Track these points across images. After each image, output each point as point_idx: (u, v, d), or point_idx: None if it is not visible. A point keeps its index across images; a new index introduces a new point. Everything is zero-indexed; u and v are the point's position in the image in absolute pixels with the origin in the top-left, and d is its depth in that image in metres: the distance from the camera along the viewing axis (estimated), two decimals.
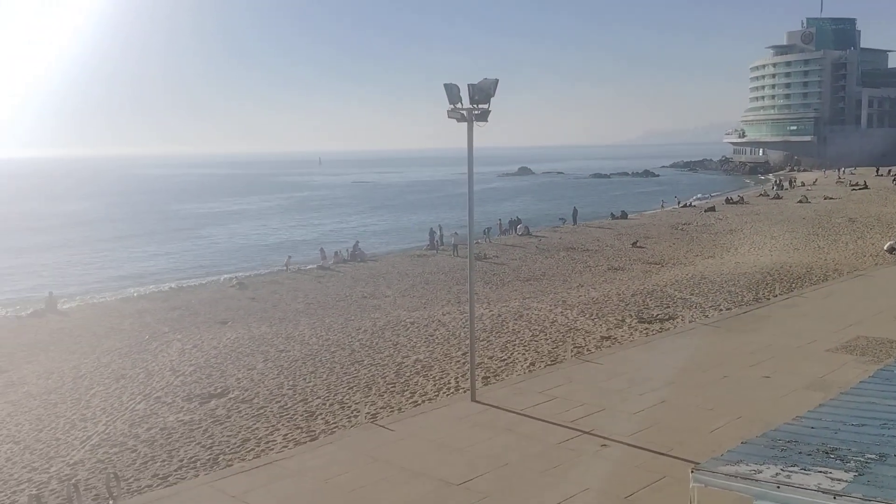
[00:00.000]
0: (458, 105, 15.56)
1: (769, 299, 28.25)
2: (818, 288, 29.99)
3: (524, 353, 21.97)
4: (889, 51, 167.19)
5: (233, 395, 19.53)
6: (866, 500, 6.78)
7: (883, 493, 6.85)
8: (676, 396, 16.38)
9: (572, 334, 24.14)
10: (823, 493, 6.98)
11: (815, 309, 25.41)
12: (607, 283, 35.00)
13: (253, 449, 15.63)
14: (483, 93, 15.43)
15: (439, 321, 27.47)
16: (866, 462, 7.62)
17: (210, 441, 16.29)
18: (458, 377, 19.85)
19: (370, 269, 42.74)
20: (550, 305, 29.18)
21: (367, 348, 23.80)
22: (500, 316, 27.57)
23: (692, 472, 7.87)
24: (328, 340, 25.20)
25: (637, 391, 16.83)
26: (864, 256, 39.62)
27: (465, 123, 15.82)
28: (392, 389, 19.22)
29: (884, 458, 7.71)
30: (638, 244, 48.44)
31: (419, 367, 21.27)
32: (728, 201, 77.78)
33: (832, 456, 7.82)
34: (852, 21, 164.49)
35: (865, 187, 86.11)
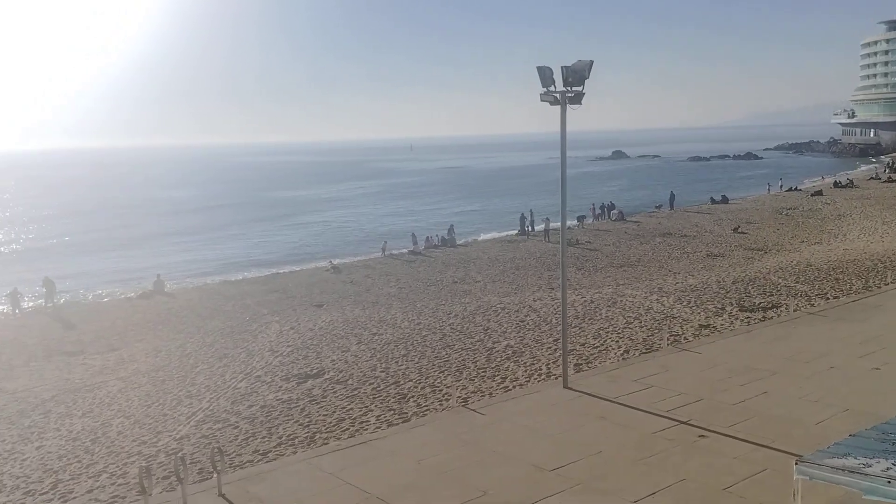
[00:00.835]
0: (552, 88, 15.32)
1: (880, 288, 26.75)
2: None
3: (618, 341, 21.60)
4: None
5: (328, 376, 20.04)
6: None
7: None
8: (779, 387, 15.74)
9: (668, 322, 23.56)
10: None
11: None
12: (706, 269, 33.95)
13: (348, 429, 15.99)
14: (577, 75, 15.12)
15: (530, 307, 27.32)
16: None
17: (307, 420, 16.78)
18: (549, 363, 19.71)
19: (460, 255, 42.90)
20: (645, 292, 28.56)
21: (457, 333, 23.93)
22: (592, 302, 27.18)
23: (796, 464, 7.56)
24: (419, 324, 25.48)
25: (737, 381, 16.26)
26: None
27: (559, 107, 15.56)
28: (483, 374, 19.26)
29: None
30: (739, 230, 46.95)
31: (510, 352, 21.23)
32: (836, 185, 73.98)
33: None
34: None
35: None
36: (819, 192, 65.74)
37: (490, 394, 17.54)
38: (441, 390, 18.18)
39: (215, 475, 11.83)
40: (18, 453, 16.19)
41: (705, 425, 13.81)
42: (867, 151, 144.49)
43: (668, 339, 21.36)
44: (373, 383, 19.14)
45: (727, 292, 27.69)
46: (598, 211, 59.07)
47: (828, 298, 25.57)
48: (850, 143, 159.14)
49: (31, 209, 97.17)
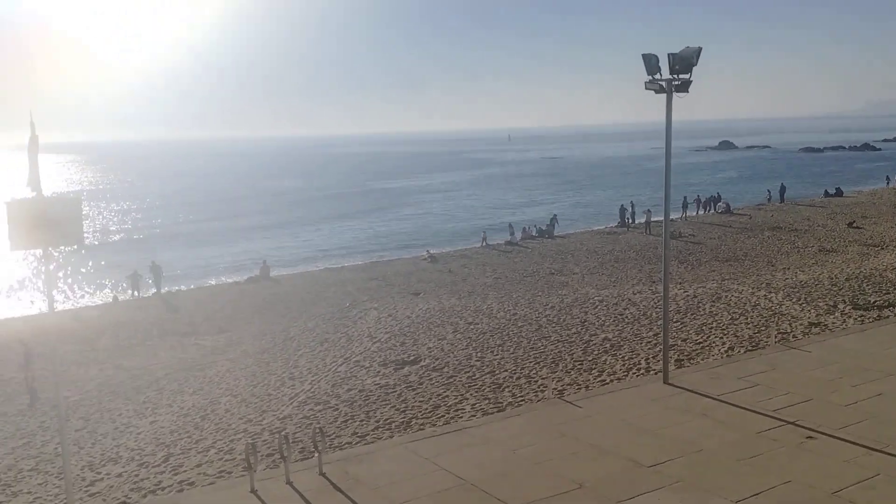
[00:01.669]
0: (657, 76, 14.93)
1: None
2: None
3: (722, 337, 20.93)
4: None
5: (424, 364, 20.31)
6: None
7: None
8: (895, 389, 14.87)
9: (776, 319, 22.63)
10: None
11: None
12: (818, 265, 32.40)
13: (443, 416, 16.18)
14: (684, 62, 14.66)
15: (629, 300, 26.80)
16: None
17: (404, 405, 17.08)
18: (648, 358, 19.31)
19: (557, 246, 42.52)
20: (752, 288, 27.51)
21: (553, 324, 23.76)
22: (695, 297, 26.42)
23: None
24: (515, 315, 25.44)
25: (850, 382, 15.45)
26: None
27: (664, 95, 15.16)
28: (579, 367, 19.07)
29: None
30: (855, 224, 44.64)
31: (608, 345, 20.92)
32: None
33: None
34: None
35: None
36: None
37: (587, 386, 17.35)
38: (536, 381, 18.12)
39: (316, 455, 12.20)
40: (134, 427, 17.22)
41: (814, 426, 13.20)
42: None
43: (775, 337, 20.53)
44: (468, 372, 19.27)
45: (840, 289, 26.33)
46: (703, 203, 57.30)
47: None
48: None
49: (158, 198, 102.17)
